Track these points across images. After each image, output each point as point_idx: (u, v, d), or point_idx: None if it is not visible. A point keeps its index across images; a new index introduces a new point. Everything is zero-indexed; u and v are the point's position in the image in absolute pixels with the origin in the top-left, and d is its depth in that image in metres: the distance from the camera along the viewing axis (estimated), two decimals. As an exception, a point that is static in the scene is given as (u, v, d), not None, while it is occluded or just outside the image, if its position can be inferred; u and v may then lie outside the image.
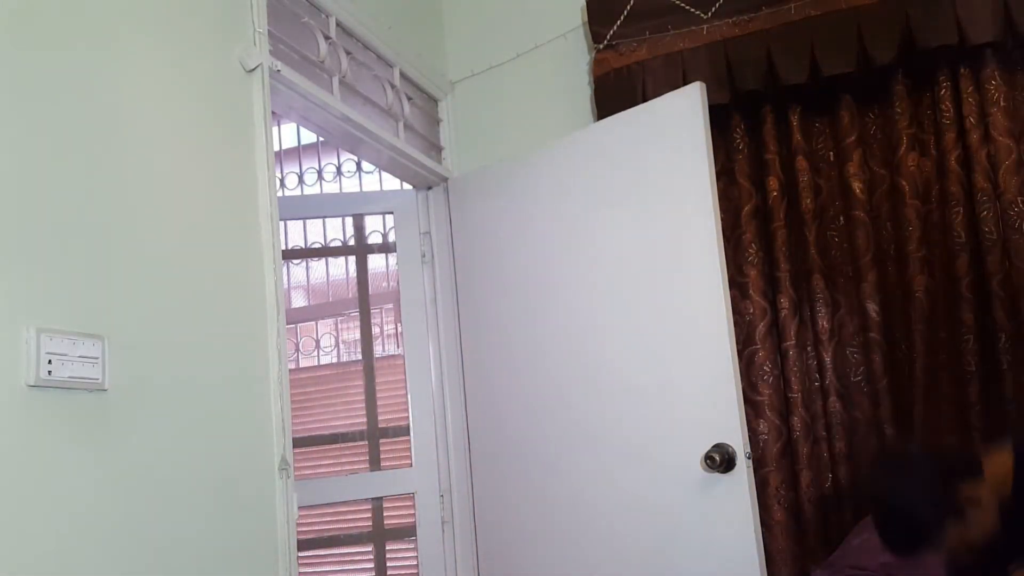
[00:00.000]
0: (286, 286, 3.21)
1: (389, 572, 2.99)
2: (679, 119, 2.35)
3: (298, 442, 2.79)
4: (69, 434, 1.36)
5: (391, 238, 3.02)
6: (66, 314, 1.38)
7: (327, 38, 2.35)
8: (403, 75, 2.76)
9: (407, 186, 2.95)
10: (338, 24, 2.42)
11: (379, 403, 2.97)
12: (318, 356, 3.35)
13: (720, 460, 2.15)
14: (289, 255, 3.24)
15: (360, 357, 3.04)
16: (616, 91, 2.67)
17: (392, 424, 2.96)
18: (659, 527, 2.28)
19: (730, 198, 2.62)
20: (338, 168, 3.55)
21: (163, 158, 1.66)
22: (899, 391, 2.44)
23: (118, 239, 1.51)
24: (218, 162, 1.82)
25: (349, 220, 3.14)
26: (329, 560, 3.17)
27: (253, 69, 1.95)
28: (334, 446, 3.07)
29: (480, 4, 3.07)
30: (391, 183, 3.20)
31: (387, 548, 2.98)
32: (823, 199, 2.57)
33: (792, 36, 2.49)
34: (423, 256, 2.89)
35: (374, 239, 3.11)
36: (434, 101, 3.00)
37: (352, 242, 3.16)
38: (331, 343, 3.33)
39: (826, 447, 2.48)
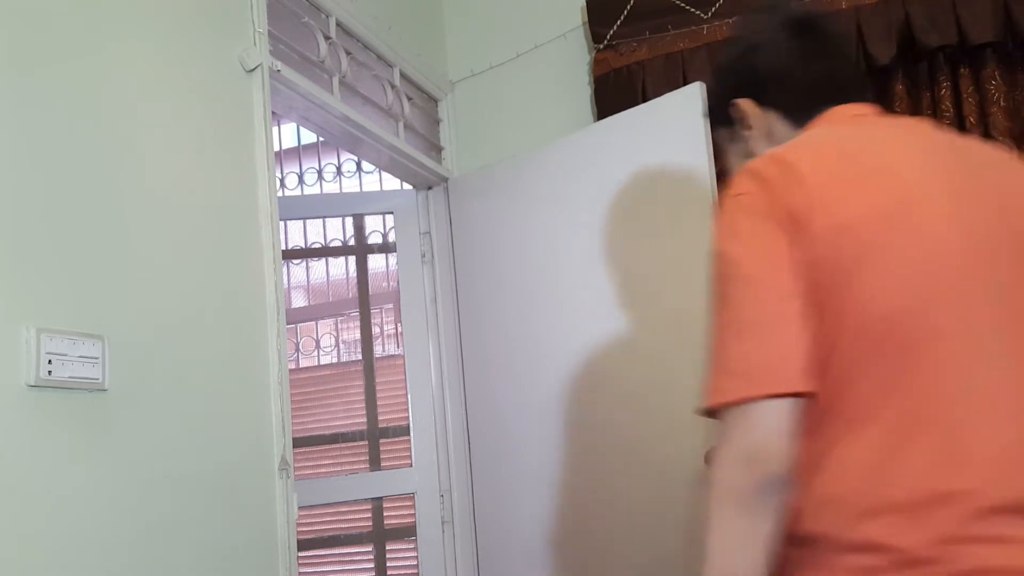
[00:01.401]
0: (286, 286, 3.21)
1: (389, 572, 2.99)
2: (679, 119, 2.34)
3: (298, 442, 2.79)
4: (69, 434, 1.36)
5: (391, 238, 3.02)
6: (66, 314, 1.38)
7: (327, 38, 2.35)
8: (403, 75, 2.76)
9: (407, 186, 2.95)
10: (338, 24, 2.42)
11: (379, 403, 2.97)
12: (318, 356, 3.36)
13: (720, 460, 2.14)
14: (289, 255, 3.24)
15: (360, 357, 3.04)
16: (616, 91, 2.67)
17: (392, 424, 2.96)
18: (659, 526, 2.28)
19: (730, 198, 2.62)
20: (338, 168, 3.55)
21: (163, 158, 1.66)
22: (899, 391, 2.44)
23: (118, 239, 1.51)
24: (218, 162, 1.82)
25: (349, 220, 3.15)
26: (329, 560, 3.18)
27: (253, 69, 1.94)
28: (334, 446, 3.07)
29: (480, 4, 3.07)
30: (391, 183, 3.20)
31: (387, 548, 2.99)
32: (823, 199, 2.57)
33: (792, 36, 2.49)
34: (423, 256, 2.89)
35: (374, 239, 3.11)
36: (434, 101, 3.00)
37: (352, 242, 3.16)
38: (331, 343, 3.33)
39: (826, 447, 2.48)
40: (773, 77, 1.12)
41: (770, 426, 0.88)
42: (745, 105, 1.14)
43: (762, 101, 1.13)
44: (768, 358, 0.89)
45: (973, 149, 1.03)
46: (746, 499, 0.88)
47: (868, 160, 0.96)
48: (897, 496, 0.84)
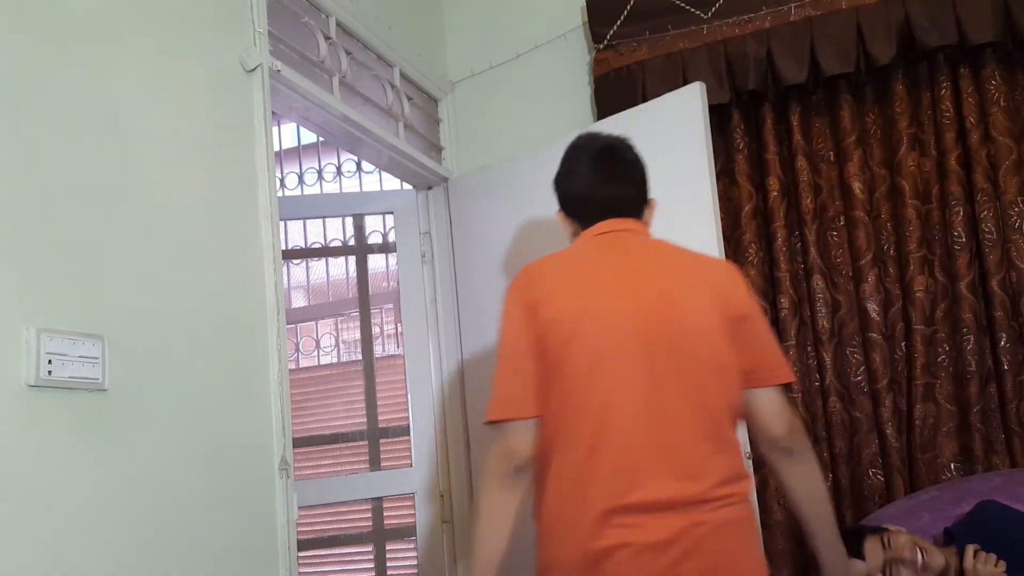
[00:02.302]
0: (286, 286, 3.21)
1: (389, 572, 2.99)
2: (679, 119, 2.34)
3: (298, 442, 2.79)
4: (69, 434, 1.36)
5: (391, 238, 3.02)
6: (66, 314, 1.38)
7: (327, 38, 2.35)
8: (403, 75, 2.76)
9: (407, 186, 2.95)
10: (338, 24, 2.42)
11: (379, 403, 2.97)
12: (318, 356, 3.36)
13: (720, 460, 2.14)
14: (289, 255, 3.24)
15: (360, 357, 3.04)
16: (616, 91, 2.67)
17: (392, 424, 2.96)
18: (659, 527, 2.28)
19: (730, 198, 2.62)
20: (338, 168, 3.55)
21: (163, 158, 1.66)
22: (899, 391, 2.44)
23: (118, 239, 1.51)
24: (218, 162, 1.82)
25: (349, 220, 3.14)
26: (329, 560, 3.18)
27: (253, 69, 1.94)
28: (334, 446, 3.07)
29: (480, 4, 3.08)
30: (391, 183, 3.20)
31: (387, 548, 2.98)
32: (823, 199, 2.58)
33: (792, 36, 2.50)
34: (423, 256, 2.89)
35: (374, 239, 3.11)
36: (434, 101, 3.00)
37: (352, 242, 3.16)
38: (331, 343, 3.33)
39: (826, 447, 2.48)
40: (574, 199, 1.61)
41: (516, 436, 1.42)
42: (560, 216, 1.64)
43: (569, 213, 1.62)
44: (513, 394, 1.44)
45: (655, 257, 1.51)
46: (505, 480, 1.43)
47: (580, 274, 1.48)
48: (582, 499, 1.35)
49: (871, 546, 1.95)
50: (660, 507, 1.32)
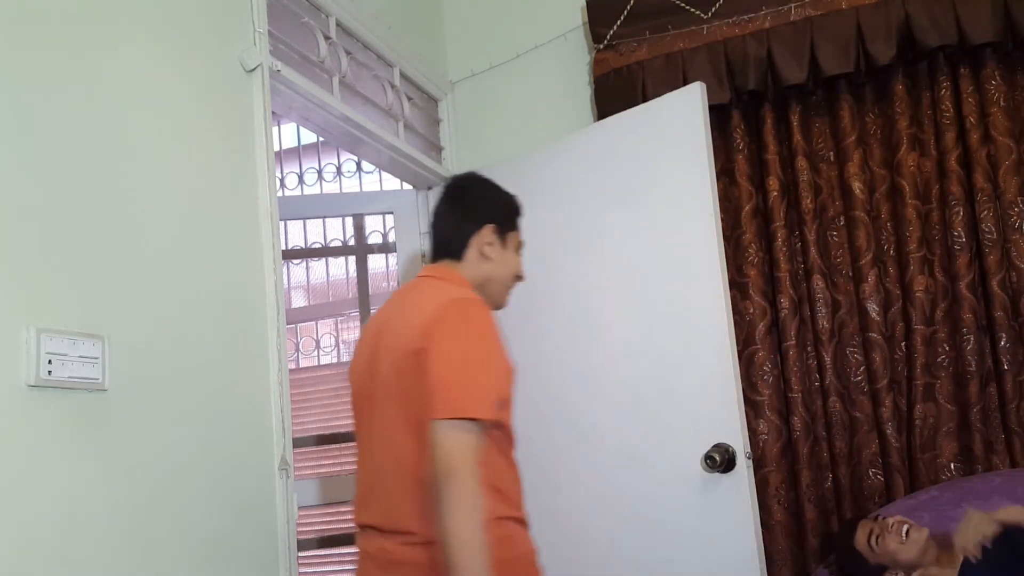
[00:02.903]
0: (286, 286, 3.21)
1: (389, 572, 2.98)
2: (679, 119, 2.35)
3: (298, 442, 2.79)
4: (69, 434, 1.36)
5: (391, 238, 3.01)
6: (66, 314, 1.38)
7: (327, 38, 2.35)
8: (403, 75, 2.76)
9: (407, 186, 2.95)
10: (338, 24, 2.42)
11: (379, 403, 2.96)
12: (318, 356, 3.36)
13: (720, 460, 2.15)
14: (289, 255, 3.24)
15: (360, 357, 3.03)
16: (616, 91, 2.67)
17: (392, 424, 2.95)
18: (659, 527, 2.28)
19: (730, 198, 2.62)
20: (338, 168, 3.55)
21: (163, 158, 1.66)
22: (899, 391, 2.44)
23: (118, 239, 1.51)
24: (218, 162, 1.82)
25: (349, 220, 3.14)
26: (329, 560, 3.18)
27: (253, 69, 1.94)
28: (334, 446, 3.07)
29: (480, 4, 3.07)
30: (391, 183, 3.20)
31: (387, 548, 2.98)
32: (823, 199, 2.57)
33: (792, 36, 2.50)
34: (423, 256, 2.88)
35: (374, 239, 3.11)
36: (434, 101, 3.00)
37: (352, 242, 3.16)
38: (331, 343, 3.33)
39: (826, 447, 2.48)
40: (432, 242, 1.69)
41: None
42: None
43: None
44: None
45: (396, 305, 1.61)
46: None
47: (367, 327, 1.65)
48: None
49: (864, 523, 2.11)
50: (372, 529, 1.53)
